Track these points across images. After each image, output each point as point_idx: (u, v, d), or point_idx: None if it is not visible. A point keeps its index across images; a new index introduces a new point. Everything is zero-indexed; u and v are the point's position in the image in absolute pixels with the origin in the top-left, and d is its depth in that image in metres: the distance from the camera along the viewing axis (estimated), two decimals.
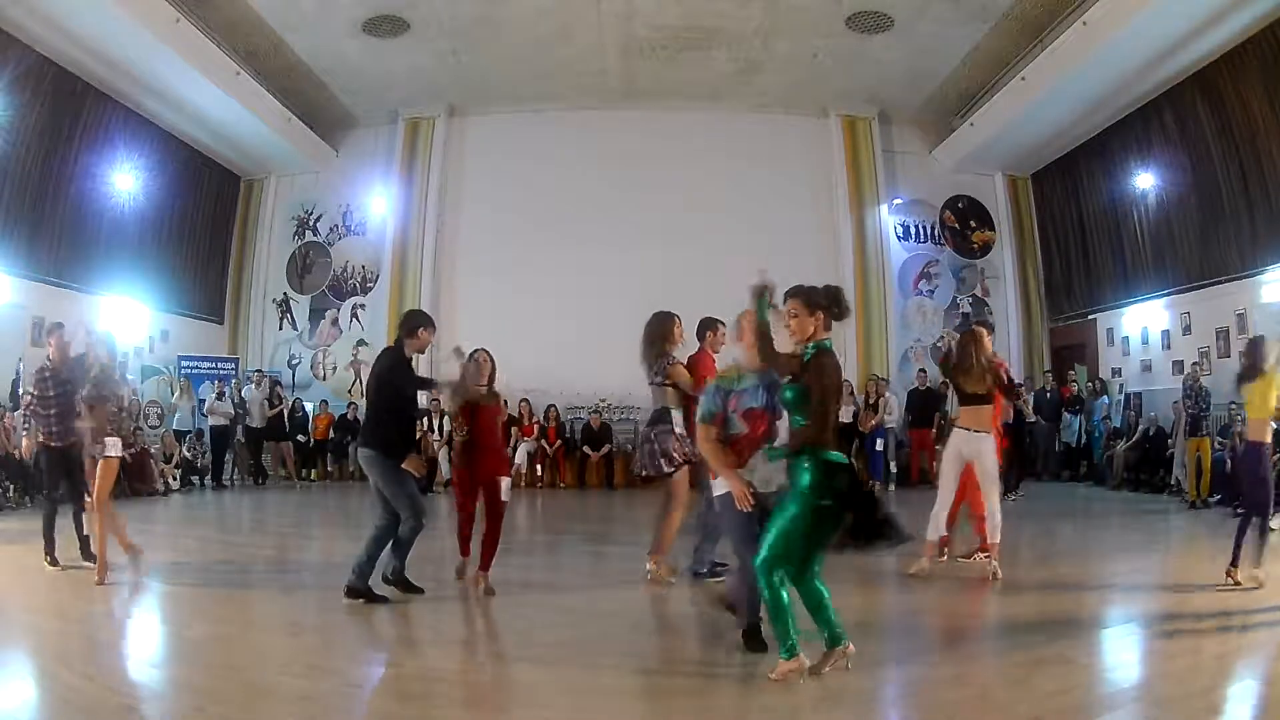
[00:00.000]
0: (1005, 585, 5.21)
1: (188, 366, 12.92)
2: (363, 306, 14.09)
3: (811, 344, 3.50)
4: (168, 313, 13.09)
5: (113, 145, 11.35)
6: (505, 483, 5.20)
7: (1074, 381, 12.65)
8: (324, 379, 14.04)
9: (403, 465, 4.86)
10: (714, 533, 5.48)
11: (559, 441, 12.47)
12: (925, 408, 12.13)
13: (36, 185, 10.29)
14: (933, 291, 14.04)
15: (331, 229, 14.38)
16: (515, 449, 11.79)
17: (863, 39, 11.45)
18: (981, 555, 5.66)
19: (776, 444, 3.59)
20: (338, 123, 14.08)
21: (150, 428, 11.73)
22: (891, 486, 11.73)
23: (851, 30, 11.21)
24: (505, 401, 5.77)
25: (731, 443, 3.70)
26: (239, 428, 12.36)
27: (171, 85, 10.87)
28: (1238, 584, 4.95)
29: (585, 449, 12.44)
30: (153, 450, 11.02)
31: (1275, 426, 5.23)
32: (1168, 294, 11.61)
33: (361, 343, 13.81)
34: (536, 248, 13.25)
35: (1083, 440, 12.38)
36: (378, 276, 14.04)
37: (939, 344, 13.54)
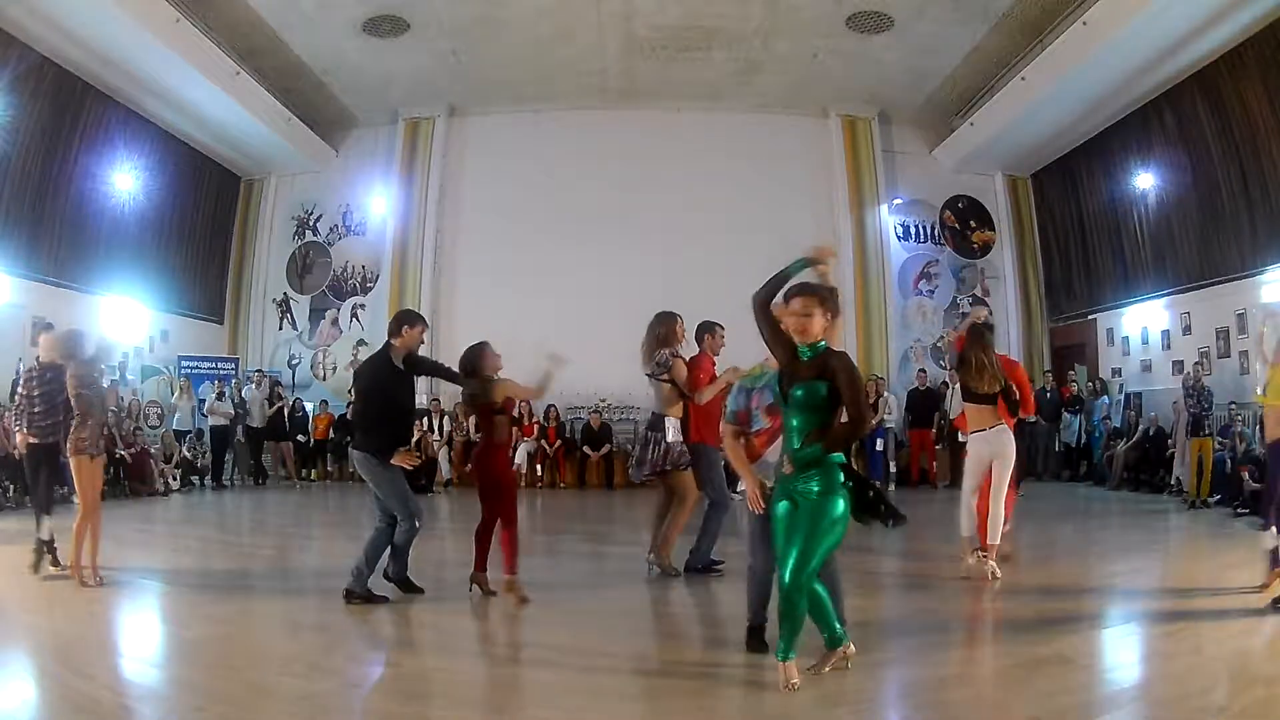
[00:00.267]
0: (1005, 585, 5.20)
1: (188, 366, 12.93)
2: (363, 306, 14.10)
3: (813, 345, 3.37)
4: (168, 313, 13.09)
5: (113, 145, 11.37)
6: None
7: (1074, 381, 12.65)
8: (324, 379, 14.05)
9: (392, 461, 4.75)
10: (712, 531, 5.60)
11: (559, 441, 12.47)
12: (925, 408, 12.15)
13: (36, 185, 10.30)
14: (933, 291, 14.05)
15: (331, 229, 14.39)
16: (515, 449, 11.78)
17: (863, 39, 11.45)
18: (981, 555, 5.65)
19: (802, 445, 3.36)
20: (338, 123, 14.08)
21: (150, 428, 11.74)
22: (891, 486, 11.73)
23: (851, 30, 11.21)
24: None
25: (756, 435, 3.83)
26: (239, 428, 12.36)
27: (171, 85, 10.88)
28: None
29: (585, 449, 12.44)
30: (153, 450, 11.03)
31: None
32: (1168, 294, 11.61)
33: (361, 343, 13.81)
34: (536, 247, 13.24)
35: (1083, 440, 12.38)
36: (378, 276, 14.05)
37: (939, 344, 13.58)
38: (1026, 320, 14.13)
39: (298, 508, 10.49)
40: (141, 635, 4.53)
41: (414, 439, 6.83)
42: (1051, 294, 14.19)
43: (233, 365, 13.51)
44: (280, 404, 12.57)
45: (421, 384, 12.11)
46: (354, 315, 14.14)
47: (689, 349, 5.77)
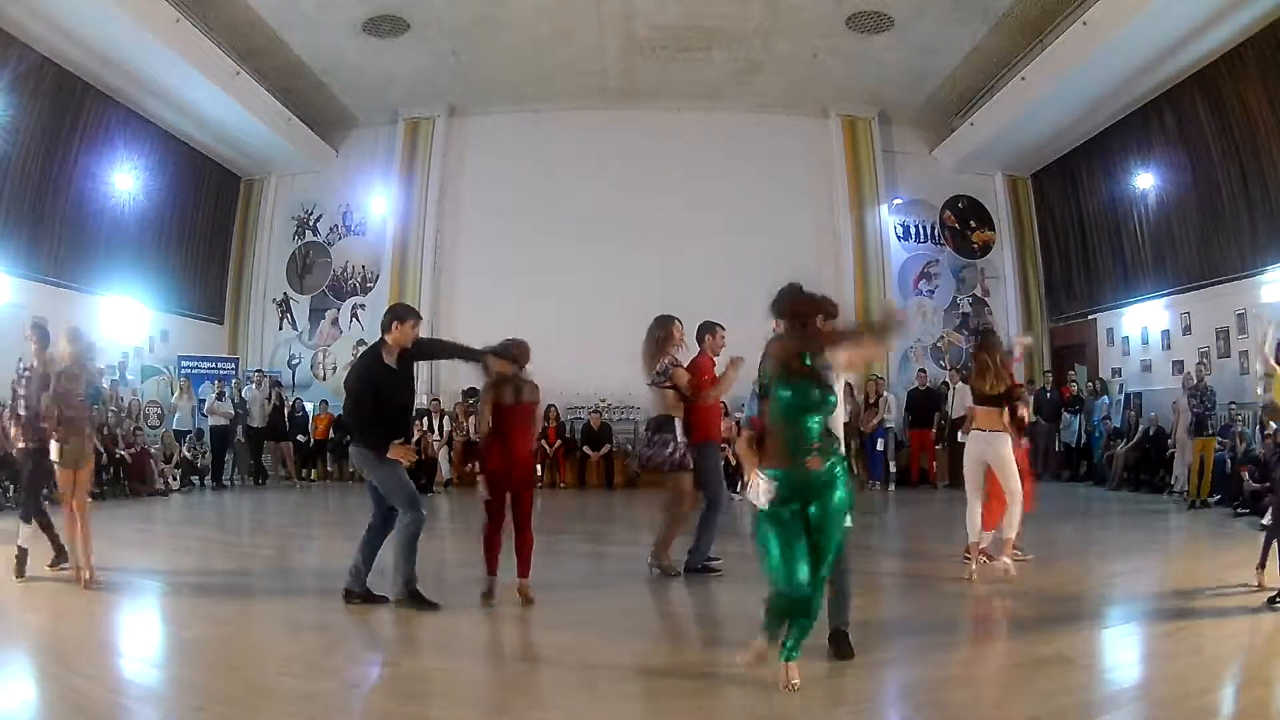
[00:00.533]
0: (1005, 586, 5.20)
1: (188, 366, 12.92)
2: (363, 306, 14.09)
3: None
4: (168, 313, 13.10)
5: (113, 145, 11.37)
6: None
7: (1074, 381, 12.65)
8: (324, 379, 14.05)
9: (389, 455, 4.67)
10: (710, 531, 5.62)
11: (559, 441, 12.46)
12: (925, 408, 12.14)
13: (36, 185, 10.30)
14: (933, 291, 14.04)
15: (331, 229, 14.39)
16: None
17: (863, 39, 11.45)
18: (983, 557, 5.63)
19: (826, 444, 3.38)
20: (337, 123, 14.08)
21: (150, 428, 11.74)
22: (891, 487, 11.72)
23: (851, 30, 11.21)
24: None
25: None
26: (239, 428, 12.36)
27: (171, 85, 10.88)
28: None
29: (585, 449, 12.44)
30: (153, 450, 11.03)
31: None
32: (1168, 294, 11.61)
33: (361, 343, 13.72)
34: (536, 247, 13.24)
35: (1082, 440, 12.37)
36: (378, 276, 14.05)
37: (939, 344, 13.57)
38: (1026, 320, 14.10)
39: (298, 508, 10.49)
40: (141, 635, 4.53)
41: (414, 438, 6.74)
42: (1051, 294, 14.18)
43: (233, 365, 13.51)
44: (278, 402, 12.52)
45: (421, 384, 12.12)
46: (354, 315, 14.13)
47: (689, 350, 5.78)
